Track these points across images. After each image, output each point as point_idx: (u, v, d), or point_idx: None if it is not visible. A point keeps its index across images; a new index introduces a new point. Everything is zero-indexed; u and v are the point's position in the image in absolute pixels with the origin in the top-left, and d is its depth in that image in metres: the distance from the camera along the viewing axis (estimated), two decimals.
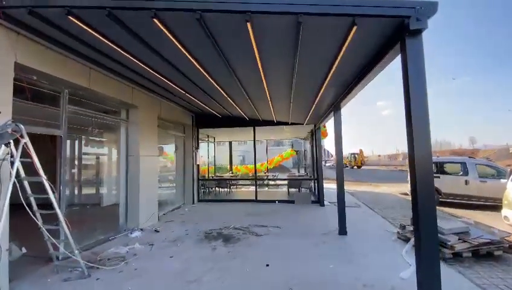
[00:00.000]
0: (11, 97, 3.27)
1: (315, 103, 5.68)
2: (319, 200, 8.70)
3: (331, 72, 3.65)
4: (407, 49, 2.24)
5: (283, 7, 2.46)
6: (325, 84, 4.23)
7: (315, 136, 9.36)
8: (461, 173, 8.72)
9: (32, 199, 3.39)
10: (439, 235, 4.09)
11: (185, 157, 9.18)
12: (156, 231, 5.81)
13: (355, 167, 38.94)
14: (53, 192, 3.34)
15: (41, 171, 3.24)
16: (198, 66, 4.02)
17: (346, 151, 54.86)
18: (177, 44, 3.27)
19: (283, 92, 5.18)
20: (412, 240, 4.51)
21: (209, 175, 12.92)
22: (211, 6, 2.58)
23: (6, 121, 2.97)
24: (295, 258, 4.14)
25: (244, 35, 2.89)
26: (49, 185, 3.31)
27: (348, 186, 14.23)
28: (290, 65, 3.77)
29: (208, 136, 12.21)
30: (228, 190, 11.63)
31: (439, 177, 9.01)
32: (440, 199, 8.94)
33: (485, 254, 3.97)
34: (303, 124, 8.86)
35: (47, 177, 3.36)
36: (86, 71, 4.52)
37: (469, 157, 9.31)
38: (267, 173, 15.21)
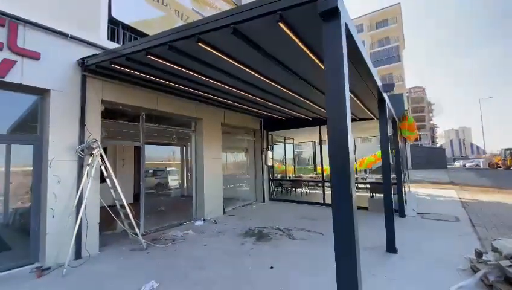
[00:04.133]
0: (99, 122, 4.95)
1: (354, 98, 5.01)
2: (399, 210, 7.26)
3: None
4: (323, 35, 1.91)
5: (222, 21, 2.62)
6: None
7: (394, 130, 7.84)
8: None
9: (112, 191, 4.98)
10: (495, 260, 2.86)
11: (255, 159, 9.96)
12: (215, 222, 6.81)
13: None
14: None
15: (111, 172, 4.75)
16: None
17: (501, 146, 39.87)
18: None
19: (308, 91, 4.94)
20: (481, 273, 3.27)
21: (288, 175, 13.20)
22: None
23: (91, 139, 4.58)
24: (307, 267, 3.92)
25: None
26: (117, 183, 4.78)
27: (471, 195, 10.84)
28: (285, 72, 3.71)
29: (285, 137, 12.54)
30: (305, 190, 11.53)
31: None
32: None
33: None
34: (373, 118, 7.68)
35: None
36: (154, 97, 6.01)
37: None
38: (356, 175, 13.79)
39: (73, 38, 4.58)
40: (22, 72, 3.98)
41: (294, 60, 3.41)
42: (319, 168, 15.79)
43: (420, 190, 12.64)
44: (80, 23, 4.80)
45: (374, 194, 9.88)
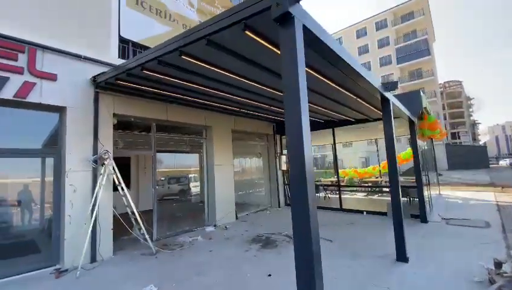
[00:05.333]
0: (111, 135, 5.32)
1: (356, 98, 4.84)
2: (420, 215, 6.75)
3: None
4: (279, 40, 1.91)
5: (196, 34, 2.71)
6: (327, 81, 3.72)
7: (410, 128, 7.28)
8: None
9: (124, 199, 5.29)
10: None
11: (269, 163, 9.93)
12: (226, 228, 6.89)
13: None
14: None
15: (121, 181, 5.06)
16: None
17: None
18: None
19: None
20: (495, 286, 2.94)
21: None
22: None
23: (102, 151, 4.94)
24: None
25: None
26: (127, 190, 5.07)
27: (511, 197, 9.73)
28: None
29: None
30: (324, 195, 11.21)
31: None
32: None
33: None
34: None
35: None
36: (163, 108, 6.32)
37: None
38: (380, 178, 13.12)
39: (86, 58, 5.01)
40: (41, 93, 4.44)
41: (274, 63, 3.38)
42: (341, 171, 15.31)
43: (452, 192, 11.63)
44: (92, 44, 5.24)
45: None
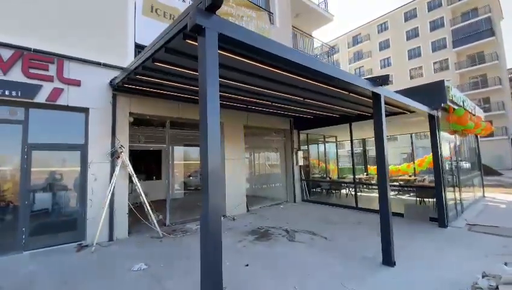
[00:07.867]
0: (127, 131, 6.03)
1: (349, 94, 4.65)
2: (439, 218, 6.16)
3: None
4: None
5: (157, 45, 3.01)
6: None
7: (430, 124, 6.56)
8: None
9: (137, 188, 6.00)
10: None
11: (286, 159, 9.96)
12: (233, 219, 7.26)
13: None
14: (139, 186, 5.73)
15: (133, 173, 5.74)
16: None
17: None
18: None
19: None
20: None
21: (329, 176, 12.53)
22: None
23: (118, 145, 5.67)
24: (280, 270, 3.94)
25: None
26: (138, 181, 5.75)
27: None
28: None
29: (324, 136, 11.99)
30: (346, 192, 10.81)
31: None
32: None
33: None
34: (406, 112, 6.71)
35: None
36: (175, 106, 6.88)
37: None
38: (414, 177, 12.04)
39: (105, 65, 5.75)
40: (68, 97, 5.28)
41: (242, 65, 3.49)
42: (371, 168, 14.44)
43: (500, 196, 10.13)
44: (111, 51, 5.95)
45: (423, 199, 8.55)
